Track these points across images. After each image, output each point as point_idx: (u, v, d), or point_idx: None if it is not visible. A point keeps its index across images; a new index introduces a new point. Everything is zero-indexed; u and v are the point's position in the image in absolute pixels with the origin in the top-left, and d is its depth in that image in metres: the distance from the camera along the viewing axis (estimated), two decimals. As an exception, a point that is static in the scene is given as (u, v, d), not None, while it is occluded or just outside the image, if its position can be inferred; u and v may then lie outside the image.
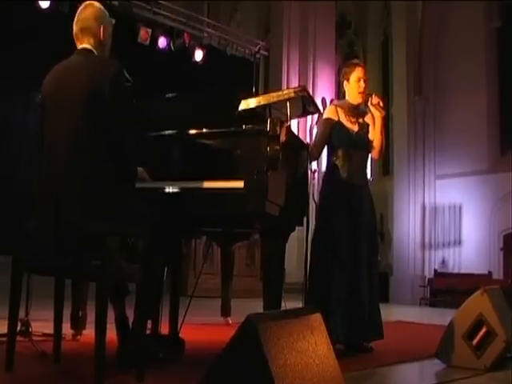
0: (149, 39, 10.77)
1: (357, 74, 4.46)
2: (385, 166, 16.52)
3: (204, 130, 3.38)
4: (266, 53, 13.86)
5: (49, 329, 3.32)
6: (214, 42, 12.29)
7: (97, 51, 2.93)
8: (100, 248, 2.56)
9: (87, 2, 3.03)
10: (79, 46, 2.94)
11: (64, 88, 2.77)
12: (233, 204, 3.06)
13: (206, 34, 12.15)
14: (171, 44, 11.23)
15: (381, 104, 4.41)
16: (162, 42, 11.03)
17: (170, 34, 11.27)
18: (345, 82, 4.52)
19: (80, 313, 4.02)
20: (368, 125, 4.54)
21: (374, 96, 4.42)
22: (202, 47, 11.79)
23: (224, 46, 12.35)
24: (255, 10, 17.99)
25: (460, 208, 14.00)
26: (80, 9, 3.00)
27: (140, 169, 3.02)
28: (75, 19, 2.98)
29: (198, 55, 11.64)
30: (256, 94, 4.03)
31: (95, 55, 2.92)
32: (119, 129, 2.79)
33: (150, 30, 10.77)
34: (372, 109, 4.44)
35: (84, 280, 3.80)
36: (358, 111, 4.55)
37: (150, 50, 10.77)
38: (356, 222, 4.29)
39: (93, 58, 2.90)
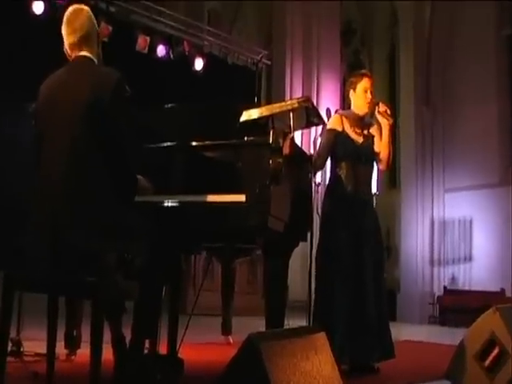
0: (147, 47, 10.78)
1: (364, 84, 4.50)
2: (391, 178, 16.54)
3: (204, 142, 3.39)
4: (268, 62, 13.87)
5: (41, 348, 3.29)
6: (215, 50, 12.31)
7: (96, 59, 2.92)
8: (96, 264, 2.55)
9: (77, 7, 2.93)
10: (77, 54, 2.89)
11: (62, 98, 2.76)
12: (234, 218, 3.08)
13: (206, 43, 12.18)
14: (170, 52, 11.23)
15: (388, 112, 4.42)
16: (160, 50, 11.04)
17: (169, 42, 11.28)
18: (351, 92, 4.55)
19: (74, 332, 4.02)
20: (373, 136, 4.56)
21: (380, 104, 4.44)
22: (203, 56, 11.80)
23: (225, 54, 12.37)
24: (257, 18, 18.07)
25: (470, 222, 13.98)
26: (71, 14, 2.90)
27: (140, 177, 3.00)
28: (69, 27, 2.89)
29: (199, 64, 11.65)
30: (258, 105, 4.05)
31: (96, 64, 2.90)
32: (120, 140, 2.78)
33: (148, 38, 10.78)
34: (379, 117, 4.45)
35: (79, 297, 3.77)
36: (363, 122, 4.57)
37: (148, 58, 10.78)
38: (360, 236, 4.31)
39: (93, 67, 2.88)
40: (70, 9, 2.92)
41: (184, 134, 3.48)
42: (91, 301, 2.55)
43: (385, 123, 4.45)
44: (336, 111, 4.71)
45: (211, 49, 12.23)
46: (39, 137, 2.81)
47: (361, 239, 4.30)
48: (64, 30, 2.90)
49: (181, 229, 3.27)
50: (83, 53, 2.88)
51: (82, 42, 2.87)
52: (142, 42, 10.67)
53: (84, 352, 3.31)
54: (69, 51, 2.91)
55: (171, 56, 11.24)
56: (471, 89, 14.11)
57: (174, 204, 3.20)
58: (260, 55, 13.26)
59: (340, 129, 4.47)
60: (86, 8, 2.94)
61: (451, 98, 14.63)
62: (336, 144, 4.45)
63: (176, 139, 3.46)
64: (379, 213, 4.58)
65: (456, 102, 14.46)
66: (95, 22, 2.96)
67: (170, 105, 3.78)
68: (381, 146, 4.51)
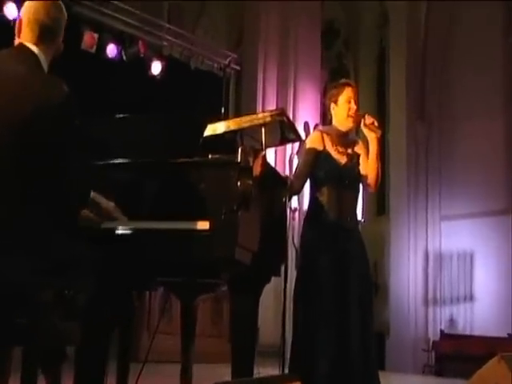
0: (95, 46, 10.74)
1: (346, 94, 4.53)
2: (379, 203, 16.61)
3: (161, 160, 3.41)
4: (237, 67, 13.92)
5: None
6: (176, 52, 12.35)
7: (44, 57, 2.87)
8: (29, 303, 2.51)
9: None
10: (22, 43, 2.85)
11: None
12: (196, 249, 3.10)
13: (165, 43, 12.21)
14: (123, 53, 11.23)
15: (375, 123, 4.47)
16: (111, 49, 11.01)
17: (121, 40, 11.27)
18: (332, 105, 4.58)
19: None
20: (359, 156, 4.60)
21: (367, 116, 4.48)
22: (161, 58, 11.80)
23: (187, 57, 12.39)
24: (226, 15, 18.16)
25: (471, 256, 14.09)
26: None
27: (104, 201, 3.03)
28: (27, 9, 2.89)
29: (156, 67, 11.65)
30: (225, 117, 4.09)
31: (41, 68, 2.85)
32: (62, 159, 2.78)
33: (96, 35, 10.73)
34: (365, 131, 4.49)
35: (7, 344, 3.73)
36: (347, 140, 4.61)
37: (96, 58, 10.74)
38: (345, 272, 4.31)
39: (36, 71, 2.82)
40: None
41: (137, 150, 3.49)
42: (22, 347, 2.53)
43: (372, 137, 4.48)
44: (315, 127, 4.78)
45: (171, 50, 12.26)
46: None
47: (346, 273, 4.32)
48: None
49: (133, 260, 3.26)
50: (30, 45, 2.84)
51: (34, 27, 2.86)
52: (89, 39, 10.60)
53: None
54: (17, 32, 2.89)
55: (124, 57, 11.23)
56: (473, 100, 14.21)
57: (125, 231, 3.19)
58: (228, 59, 13.33)
59: (320, 147, 4.50)
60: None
61: (449, 110, 14.74)
62: (316, 165, 4.48)
63: (127, 156, 3.46)
64: (365, 244, 4.55)
65: (455, 115, 14.57)
66: (61, 15, 2.96)
67: (120, 115, 3.78)
68: (368, 166, 4.56)
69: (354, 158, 4.57)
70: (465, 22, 14.60)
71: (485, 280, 13.80)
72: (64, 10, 2.99)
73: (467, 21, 14.52)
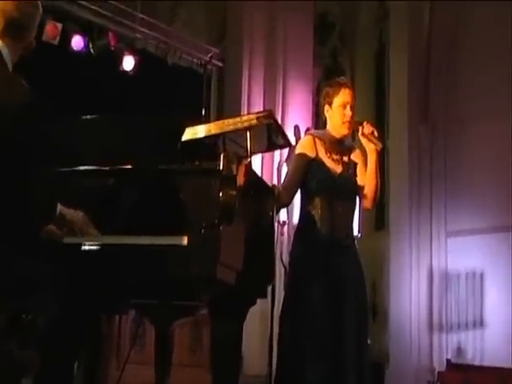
0: (58, 37, 10.68)
1: (342, 97, 4.54)
2: (378, 217, 16.55)
3: (135, 167, 3.44)
4: (220, 63, 13.91)
5: None
6: (151, 46, 12.32)
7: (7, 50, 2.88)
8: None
9: None
10: None
11: None
12: (172, 267, 3.12)
13: (138, 35, 12.19)
14: (90, 45, 11.18)
15: (375, 134, 4.48)
16: (77, 42, 10.94)
17: (88, 31, 11.23)
18: (326, 107, 4.61)
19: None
20: (356, 165, 4.62)
21: (365, 124, 4.49)
22: (134, 52, 11.76)
23: (164, 51, 12.36)
24: (206, 4, 18.15)
25: (481, 276, 14.08)
26: None
27: (73, 214, 3.01)
28: None
29: (128, 63, 11.56)
30: (206, 120, 4.09)
31: (3, 64, 2.86)
32: (24, 166, 2.79)
33: (59, 25, 10.68)
34: (364, 141, 4.51)
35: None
36: (342, 146, 4.64)
37: (59, 51, 10.68)
38: (339, 293, 4.34)
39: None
40: None
41: (107, 156, 3.49)
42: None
43: (371, 148, 4.51)
44: (307, 131, 4.81)
45: (146, 44, 12.22)
46: None
47: (340, 295, 4.33)
48: None
49: (101, 280, 3.27)
50: None
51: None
52: (51, 29, 10.54)
53: None
54: None
55: (91, 50, 11.18)
56: (483, 103, 14.18)
57: (92, 247, 3.19)
58: (209, 54, 13.32)
59: (313, 154, 4.53)
60: None
61: (456, 112, 14.71)
62: (307, 173, 4.50)
63: (96, 162, 3.48)
64: (362, 262, 4.58)
65: (463, 117, 14.55)
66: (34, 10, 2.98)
67: (88, 116, 3.78)
68: (366, 177, 4.57)
69: (351, 167, 4.61)
70: (474, 14, 14.61)
71: (496, 303, 13.78)
72: (39, 6, 2.99)
73: (477, 13, 14.53)
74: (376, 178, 4.56)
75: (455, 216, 14.46)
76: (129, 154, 3.51)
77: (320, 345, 4.18)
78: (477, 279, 14.12)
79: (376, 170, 4.56)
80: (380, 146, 4.51)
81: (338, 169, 4.56)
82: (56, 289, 2.78)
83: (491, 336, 13.76)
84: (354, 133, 4.56)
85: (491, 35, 14.26)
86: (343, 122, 4.51)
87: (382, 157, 12.26)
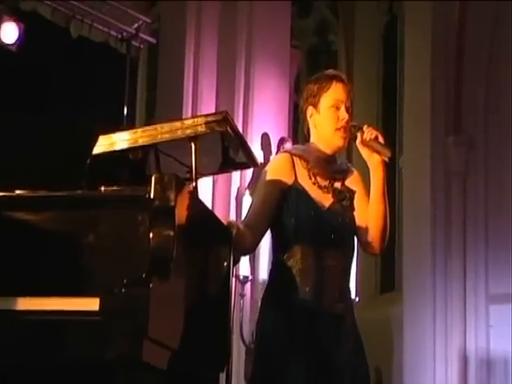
0: None
1: (333, 95, 3.82)
2: (385, 273, 14.94)
3: (21, 193, 2.95)
4: (151, 39, 11.52)
5: None
6: (45, 10, 10.38)
7: None
8: None
9: None
10: None
11: None
12: (78, 345, 2.67)
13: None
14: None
15: (380, 139, 3.75)
16: None
17: None
18: (310, 111, 3.87)
19: None
20: (353, 193, 3.88)
21: (366, 129, 3.75)
22: (18, 17, 9.73)
23: (64, 19, 10.40)
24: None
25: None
26: None
27: None
28: None
29: (8, 32, 9.56)
30: (129, 124, 3.63)
31: None
32: None
33: None
34: (364, 152, 3.76)
35: None
36: (334, 167, 3.92)
37: None
38: (329, 379, 3.65)
39: None
40: None
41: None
42: None
43: (375, 162, 3.76)
44: (281, 143, 4.17)
45: (36, 7, 10.32)
46: None
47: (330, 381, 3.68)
48: None
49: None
50: None
51: None
52: None
53: None
54: None
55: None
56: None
57: None
58: (135, 25, 11.07)
59: (290, 179, 3.80)
60: None
61: (503, 122, 12.68)
62: (282, 207, 3.78)
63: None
64: (363, 339, 3.85)
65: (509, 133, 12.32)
66: None
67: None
68: (368, 211, 3.83)
69: (346, 197, 3.86)
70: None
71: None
72: None
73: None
74: (384, 203, 3.86)
75: (500, 274, 12.80)
76: (13, 175, 3.04)
77: None
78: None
79: (384, 192, 3.85)
80: (388, 154, 3.80)
81: (327, 200, 3.82)
82: None
83: None
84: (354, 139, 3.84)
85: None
86: (336, 129, 3.78)
87: (392, 184, 10.71)
